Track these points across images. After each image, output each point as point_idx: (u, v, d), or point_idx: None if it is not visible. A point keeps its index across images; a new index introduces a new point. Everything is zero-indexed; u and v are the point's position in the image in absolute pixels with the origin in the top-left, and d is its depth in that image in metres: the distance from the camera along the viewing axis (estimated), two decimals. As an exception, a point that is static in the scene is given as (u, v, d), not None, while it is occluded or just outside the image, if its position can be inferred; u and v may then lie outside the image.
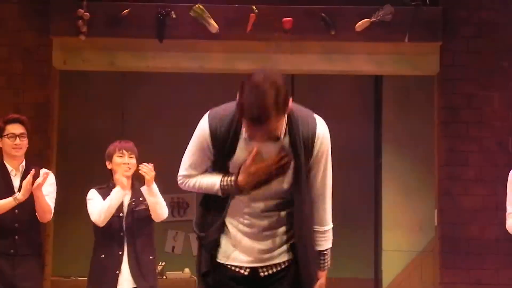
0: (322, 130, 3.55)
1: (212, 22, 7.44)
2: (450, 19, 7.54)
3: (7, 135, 5.87)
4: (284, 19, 7.47)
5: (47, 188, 5.84)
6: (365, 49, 7.57)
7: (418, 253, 8.78)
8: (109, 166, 5.99)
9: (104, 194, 5.93)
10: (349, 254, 9.29)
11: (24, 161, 5.95)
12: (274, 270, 3.56)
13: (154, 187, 5.89)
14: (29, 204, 5.76)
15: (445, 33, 7.54)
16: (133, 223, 5.87)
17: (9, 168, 5.89)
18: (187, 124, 9.73)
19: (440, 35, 7.51)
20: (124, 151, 5.93)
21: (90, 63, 7.72)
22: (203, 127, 3.54)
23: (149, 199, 5.88)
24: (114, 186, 5.93)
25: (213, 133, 3.49)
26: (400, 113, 8.88)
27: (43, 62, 7.56)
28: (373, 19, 7.44)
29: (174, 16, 7.45)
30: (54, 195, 5.97)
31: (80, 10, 7.42)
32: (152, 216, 5.91)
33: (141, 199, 5.93)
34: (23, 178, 5.86)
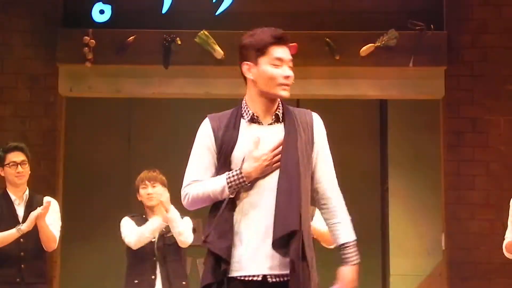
0: (317, 116, 3.71)
1: (217, 48, 7.48)
2: (455, 44, 7.56)
3: (8, 164, 5.85)
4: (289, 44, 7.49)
5: (51, 216, 5.81)
6: (370, 74, 7.59)
7: (426, 277, 8.74)
8: (139, 198, 6.04)
9: (137, 220, 5.97)
10: (357, 278, 9.25)
11: (28, 189, 5.94)
12: (285, 278, 3.44)
13: (172, 214, 5.85)
14: (34, 233, 5.73)
15: (450, 58, 7.55)
16: (164, 248, 5.89)
17: (13, 197, 5.87)
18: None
19: (445, 59, 7.53)
20: (146, 182, 5.97)
21: (96, 90, 7.75)
22: (204, 125, 3.63)
23: (170, 225, 5.90)
24: (147, 216, 5.98)
25: (214, 127, 3.57)
26: (405, 137, 8.88)
27: (50, 90, 7.59)
28: (378, 44, 7.47)
29: (179, 42, 7.48)
30: (59, 222, 5.95)
31: (86, 37, 7.46)
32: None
33: None
34: (27, 207, 5.84)
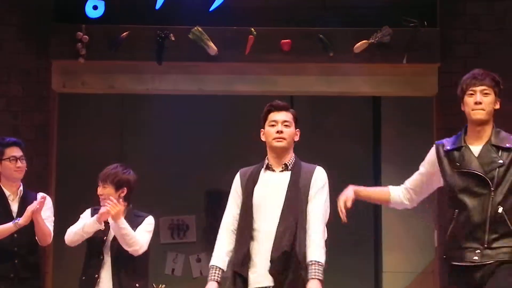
0: (320, 169, 4.79)
1: (211, 44, 7.47)
2: (448, 41, 7.57)
3: (8, 158, 5.85)
4: (283, 41, 7.50)
5: (46, 212, 5.83)
6: (363, 71, 7.60)
7: (419, 274, 8.75)
8: None
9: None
10: (350, 275, 9.26)
11: (21, 185, 5.94)
12: None
13: (121, 223, 5.58)
14: (28, 228, 5.74)
15: (443, 54, 7.56)
16: (120, 248, 5.64)
17: (7, 193, 5.88)
18: (187, 147, 9.74)
19: (438, 56, 7.54)
20: (100, 181, 5.77)
21: (89, 86, 7.74)
22: (235, 176, 4.86)
23: (116, 234, 5.66)
24: None
25: (242, 176, 4.79)
26: (399, 134, 8.88)
27: (42, 85, 7.57)
28: (371, 40, 7.47)
29: (173, 38, 7.47)
30: (53, 218, 5.97)
31: (79, 33, 7.44)
32: None
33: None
34: (21, 202, 5.85)
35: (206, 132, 9.08)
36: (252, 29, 7.49)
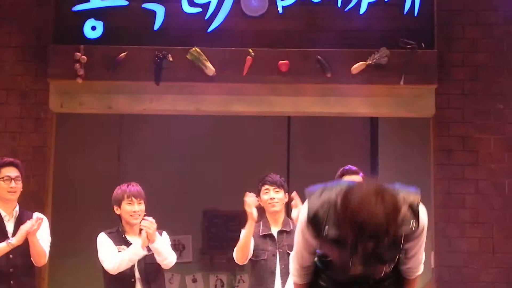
0: None
1: (209, 65, 7.49)
2: (445, 62, 7.58)
3: (2, 178, 5.84)
4: (280, 62, 7.52)
5: (41, 232, 5.81)
6: (361, 92, 7.61)
7: (416, 295, 8.72)
8: (117, 211, 5.87)
9: (114, 238, 5.82)
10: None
11: (18, 205, 5.92)
12: None
13: (157, 243, 5.77)
14: (23, 249, 5.72)
15: (440, 76, 7.58)
16: (147, 268, 5.76)
17: (3, 213, 5.85)
18: (183, 166, 9.70)
19: (435, 78, 7.55)
20: (133, 199, 5.82)
21: (87, 106, 7.74)
22: None
23: (155, 253, 5.80)
24: (124, 231, 5.85)
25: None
26: (396, 155, 8.89)
27: (40, 106, 7.57)
28: (369, 62, 7.49)
29: (171, 59, 7.49)
30: (49, 238, 5.94)
31: (78, 53, 7.46)
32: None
33: None
34: (16, 223, 5.83)
35: (203, 152, 9.08)
36: (250, 50, 7.51)
